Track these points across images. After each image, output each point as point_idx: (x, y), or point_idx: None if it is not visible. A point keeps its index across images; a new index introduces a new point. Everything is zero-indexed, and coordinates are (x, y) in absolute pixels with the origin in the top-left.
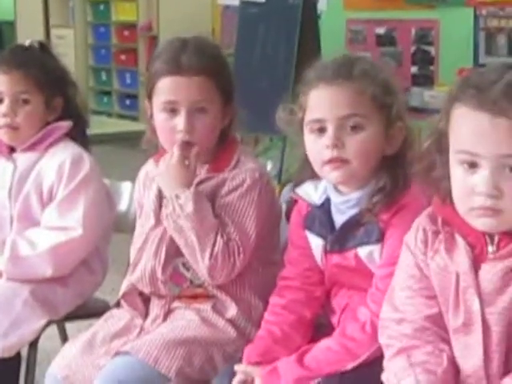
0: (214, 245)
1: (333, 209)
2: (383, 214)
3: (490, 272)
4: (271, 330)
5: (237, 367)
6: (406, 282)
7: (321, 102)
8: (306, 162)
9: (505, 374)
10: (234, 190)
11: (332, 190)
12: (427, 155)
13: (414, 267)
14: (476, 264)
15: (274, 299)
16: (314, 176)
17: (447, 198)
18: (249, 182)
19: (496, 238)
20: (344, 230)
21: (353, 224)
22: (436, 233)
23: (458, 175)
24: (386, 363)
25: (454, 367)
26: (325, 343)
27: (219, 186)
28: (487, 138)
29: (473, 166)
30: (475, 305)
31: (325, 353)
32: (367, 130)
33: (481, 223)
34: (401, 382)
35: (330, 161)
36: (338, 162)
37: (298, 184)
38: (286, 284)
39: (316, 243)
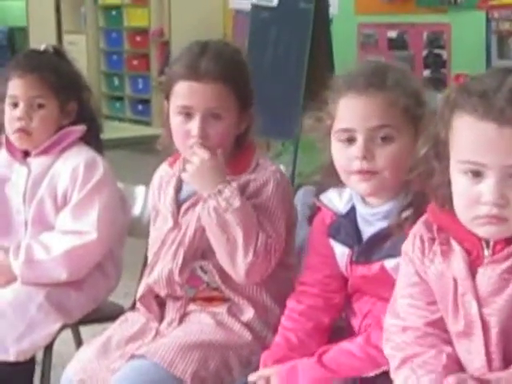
0: (257, 241)
1: (359, 219)
2: (411, 227)
3: (487, 276)
4: (288, 336)
5: (251, 377)
6: (407, 290)
7: (351, 111)
8: (331, 168)
9: (506, 367)
10: (261, 190)
11: (358, 201)
12: (424, 162)
13: (413, 275)
14: (473, 268)
15: (291, 303)
16: (339, 183)
17: (445, 204)
18: (273, 182)
19: (492, 242)
20: (371, 243)
21: (380, 237)
22: (432, 240)
23: (461, 184)
24: (392, 375)
25: (457, 364)
26: (347, 346)
27: (242, 187)
28: (494, 148)
29: (477, 174)
30: (473, 308)
31: (347, 357)
32: (397, 142)
33: (484, 231)
34: None
35: (359, 172)
36: (367, 173)
37: (321, 191)
38: (304, 289)
39: (341, 252)
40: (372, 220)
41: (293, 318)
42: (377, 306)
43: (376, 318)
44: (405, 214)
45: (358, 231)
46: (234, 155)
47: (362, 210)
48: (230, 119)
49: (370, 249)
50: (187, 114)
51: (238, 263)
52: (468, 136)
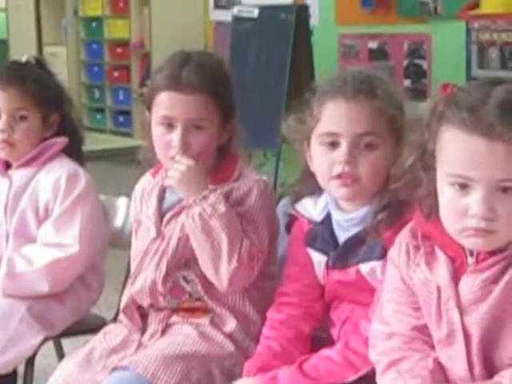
0: (241, 247)
1: (335, 226)
2: (386, 231)
3: (470, 284)
4: (270, 345)
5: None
6: (393, 295)
7: (337, 116)
8: (307, 174)
9: (488, 376)
10: (244, 198)
11: (333, 207)
12: (411, 172)
13: (399, 281)
14: (456, 276)
15: (272, 314)
16: (315, 190)
17: (432, 214)
18: (256, 191)
19: (475, 252)
20: (347, 247)
21: (356, 241)
22: (417, 247)
23: (448, 196)
24: (378, 379)
25: (443, 369)
26: (326, 353)
27: (225, 195)
28: (482, 162)
29: (464, 187)
30: (455, 316)
31: (326, 363)
32: (380, 150)
33: (471, 243)
34: None
35: (340, 176)
36: (348, 178)
37: (296, 199)
38: (284, 300)
39: (318, 259)
40: (347, 226)
41: (274, 327)
42: (354, 313)
43: (354, 323)
44: (379, 217)
45: (334, 238)
46: (217, 166)
47: (337, 217)
48: (212, 130)
49: (345, 253)
50: (169, 124)
51: (222, 270)
52: (456, 149)
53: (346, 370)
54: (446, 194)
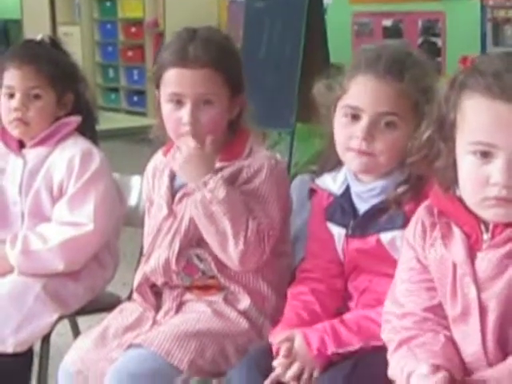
0: (246, 229)
1: (354, 197)
2: (408, 204)
3: (486, 260)
4: (299, 313)
5: (274, 340)
6: (407, 275)
7: (364, 91)
8: (329, 149)
9: (502, 354)
10: (254, 176)
11: (352, 179)
12: (429, 144)
13: (413, 260)
14: (472, 253)
15: (297, 288)
16: (335, 166)
17: (450, 187)
18: (267, 168)
19: (491, 226)
20: (367, 217)
21: (376, 211)
22: (433, 224)
23: (468, 165)
24: (389, 357)
25: (455, 346)
26: (365, 313)
27: (236, 174)
28: (506, 128)
29: (486, 155)
30: (472, 293)
31: (366, 321)
32: (400, 130)
33: (493, 213)
34: (404, 368)
35: (356, 151)
36: (363, 153)
37: (317, 174)
38: (306, 276)
39: (338, 233)
40: (366, 197)
41: (301, 299)
42: (373, 283)
43: (373, 293)
44: (401, 189)
45: (354, 209)
46: (228, 142)
47: (356, 188)
48: (221, 105)
49: (365, 222)
50: (178, 101)
51: (230, 252)
52: (479, 116)
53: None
54: (466, 163)
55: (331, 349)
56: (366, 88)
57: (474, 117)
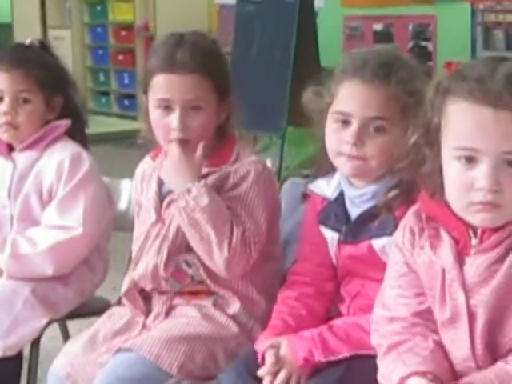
0: (231, 236)
1: (347, 202)
2: (398, 209)
3: (474, 265)
4: (284, 318)
5: (262, 347)
6: (396, 281)
7: (352, 96)
8: (323, 154)
9: (491, 358)
10: (241, 182)
11: (346, 184)
12: (415, 150)
13: (402, 265)
14: (460, 258)
15: (284, 293)
16: (330, 171)
17: (437, 192)
18: (254, 173)
19: (479, 232)
20: (358, 222)
21: (367, 216)
22: (422, 230)
23: (453, 170)
24: (378, 362)
25: (443, 350)
26: (355, 320)
27: (222, 179)
28: (489, 133)
29: (471, 160)
30: (460, 298)
31: (356, 329)
32: (390, 134)
33: (480, 219)
34: (392, 373)
35: (347, 156)
36: (355, 158)
37: (311, 179)
38: (296, 279)
39: (331, 237)
40: (358, 202)
41: (287, 304)
42: (365, 288)
43: (365, 298)
44: (391, 194)
45: (347, 215)
46: (215, 147)
47: (349, 193)
48: (210, 110)
49: (357, 228)
50: (166, 106)
51: (216, 259)
52: (463, 121)
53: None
54: (451, 169)
55: (319, 358)
56: (354, 93)
57: (458, 122)
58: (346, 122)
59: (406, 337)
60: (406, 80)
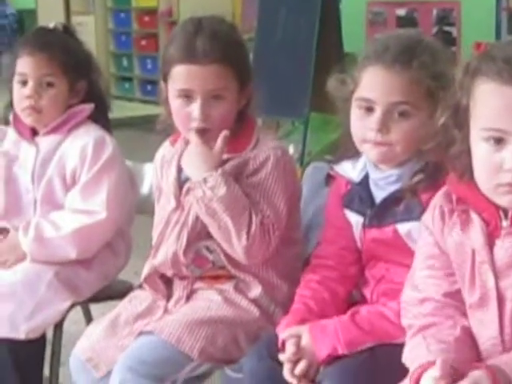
0: (250, 224)
1: (372, 185)
2: (424, 193)
3: (504, 247)
4: (306, 302)
5: (283, 335)
6: (426, 262)
7: (374, 83)
8: (347, 137)
9: None
10: (260, 168)
11: (371, 166)
12: (443, 131)
13: (432, 246)
14: (491, 240)
15: (307, 276)
16: (355, 153)
17: (465, 174)
18: (273, 159)
19: (510, 213)
20: (383, 206)
21: (392, 200)
22: (452, 211)
23: (482, 151)
24: (407, 341)
25: (470, 337)
26: (379, 309)
27: (242, 165)
28: None
29: (500, 141)
30: (490, 280)
31: (379, 319)
32: (414, 118)
33: (508, 200)
34: (415, 356)
35: (373, 142)
36: (380, 144)
37: (336, 161)
38: (320, 262)
39: (356, 220)
40: (383, 184)
41: (310, 287)
42: (390, 272)
43: (389, 282)
44: (416, 178)
45: (371, 198)
46: (235, 132)
47: (374, 175)
48: (231, 98)
49: (382, 212)
50: (187, 96)
51: (235, 247)
52: (491, 102)
53: (401, 331)
54: (480, 150)
55: (343, 351)
56: (376, 79)
57: (486, 102)
58: (369, 109)
59: (436, 319)
60: (428, 63)
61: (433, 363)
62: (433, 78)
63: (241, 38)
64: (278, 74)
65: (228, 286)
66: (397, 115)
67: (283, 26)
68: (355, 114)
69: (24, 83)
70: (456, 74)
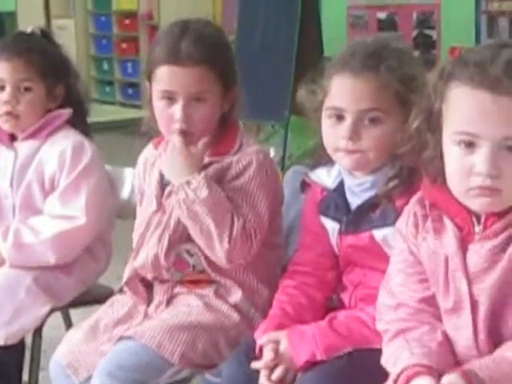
0: (231, 227)
1: (347, 192)
2: (399, 199)
3: (477, 253)
4: (284, 307)
5: (261, 341)
6: (400, 267)
7: (343, 91)
8: (322, 144)
9: (493, 346)
10: (242, 172)
11: (346, 173)
12: (417, 135)
13: (406, 252)
14: (464, 245)
15: (285, 281)
16: (329, 160)
17: (438, 178)
18: (255, 164)
19: (483, 218)
20: (359, 213)
21: (368, 206)
22: (425, 217)
23: (453, 155)
24: (384, 347)
25: (449, 342)
26: (356, 314)
27: (224, 169)
28: (489, 118)
29: (470, 145)
30: (463, 286)
31: (358, 325)
32: (385, 124)
33: (479, 203)
34: (397, 359)
35: (344, 150)
36: (352, 152)
37: (311, 168)
38: (297, 269)
39: (332, 227)
40: (358, 191)
41: (287, 293)
42: (367, 278)
43: (367, 287)
44: (392, 184)
45: (347, 204)
46: (218, 136)
47: (349, 182)
48: (214, 101)
49: (358, 219)
50: (170, 98)
51: (216, 250)
52: (462, 106)
53: (378, 336)
54: (451, 154)
55: (321, 357)
56: (344, 87)
57: (458, 106)
58: (340, 117)
59: (413, 324)
60: (395, 67)
61: (418, 365)
62: (401, 81)
63: (227, 42)
64: (258, 77)
65: (208, 291)
66: (367, 122)
67: (263, 29)
68: (326, 123)
69: (2, 88)
70: (430, 78)
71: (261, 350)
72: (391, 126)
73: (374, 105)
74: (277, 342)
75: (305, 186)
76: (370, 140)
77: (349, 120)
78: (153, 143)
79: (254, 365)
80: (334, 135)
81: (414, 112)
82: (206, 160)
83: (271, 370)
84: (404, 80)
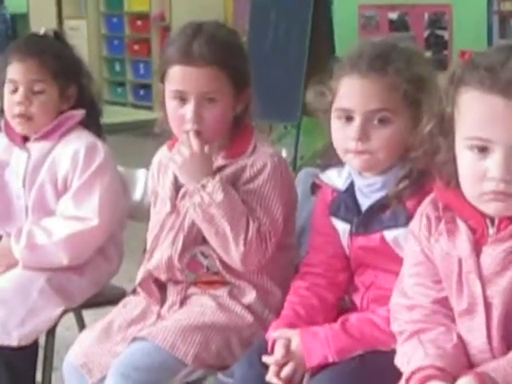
0: (247, 230)
1: (357, 193)
2: (409, 200)
3: (491, 255)
4: (295, 308)
5: (274, 334)
6: (414, 269)
7: (351, 92)
8: (332, 145)
9: (507, 349)
10: (257, 175)
11: (356, 174)
12: (429, 139)
13: (419, 254)
14: (477, 247)
15: (296, 283)
16: (340, 162)
17: (451, 182)
18: (270, 166)
19: (496, 221)
20: (369, 213)
21: (378, 207)
22: (439, 219)
23: (466, 160)
24: (398, 348)
25: (464, 344)
26: (368, 316)
27: (239, 172)
28: (501, 122)
29: (483, 150)
30: (477, 289)
31: (370, 327)
32: (394, 125)
33: (492, 208)
34: (411, 359)
35: (354, 151)
36: (361, 153)
37: (322, 169)
38: (308, 270)
39: (343, 228)
40: (368, 192)
41: (299, 294)
42: (379, 279)
43: (378, 289)
44: (402, 185)
45: (357, 206)
46: (232, 138)
47: (359, 183)
48: (226, 102)
49: (368, 219)
50: (181, 98)
51: (232, 253)
52: (474, 110)
53: (390, 338)
54: (464, 158)
55: (333, 359)
56: (352, 88)
57: (469, 111)
58: (349, 118)
59: (428, 325)
60: (402, 69)
61: (432, 367)
62: (409, 81)
63: (240, 44)
64: (270, 78)
65: (222, 292)
66: (376, 122)
67: (275, 30)
68: (335, 124)
69: (14, 90)
70: (441, 81)
71: (273, 346)
72: (400, 126)
73: (383, 105)
74: (289, 340)
75: (315, 187)
76: (380, 140)
77: (358, 121)
78: (167, 145)
79: (265, 359)
80: (343, 136)
81: (427, 116)
82: (221, 162)
83: (280, 367)
84: (412, 80)
